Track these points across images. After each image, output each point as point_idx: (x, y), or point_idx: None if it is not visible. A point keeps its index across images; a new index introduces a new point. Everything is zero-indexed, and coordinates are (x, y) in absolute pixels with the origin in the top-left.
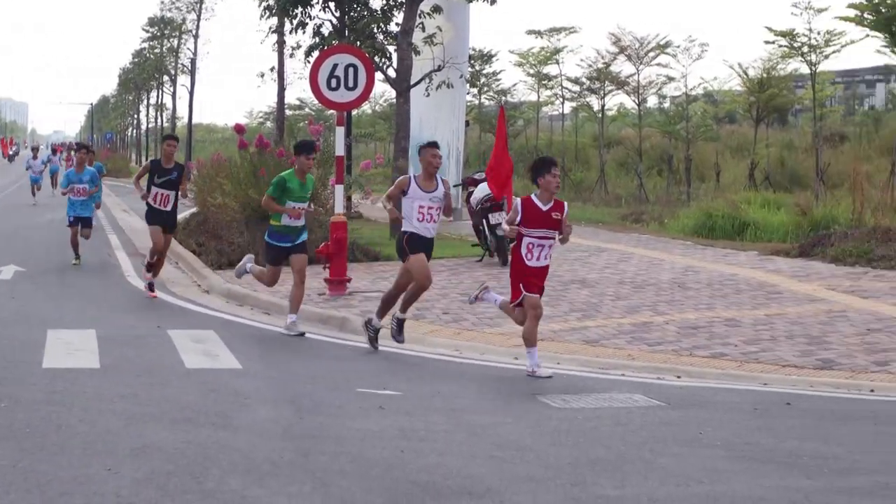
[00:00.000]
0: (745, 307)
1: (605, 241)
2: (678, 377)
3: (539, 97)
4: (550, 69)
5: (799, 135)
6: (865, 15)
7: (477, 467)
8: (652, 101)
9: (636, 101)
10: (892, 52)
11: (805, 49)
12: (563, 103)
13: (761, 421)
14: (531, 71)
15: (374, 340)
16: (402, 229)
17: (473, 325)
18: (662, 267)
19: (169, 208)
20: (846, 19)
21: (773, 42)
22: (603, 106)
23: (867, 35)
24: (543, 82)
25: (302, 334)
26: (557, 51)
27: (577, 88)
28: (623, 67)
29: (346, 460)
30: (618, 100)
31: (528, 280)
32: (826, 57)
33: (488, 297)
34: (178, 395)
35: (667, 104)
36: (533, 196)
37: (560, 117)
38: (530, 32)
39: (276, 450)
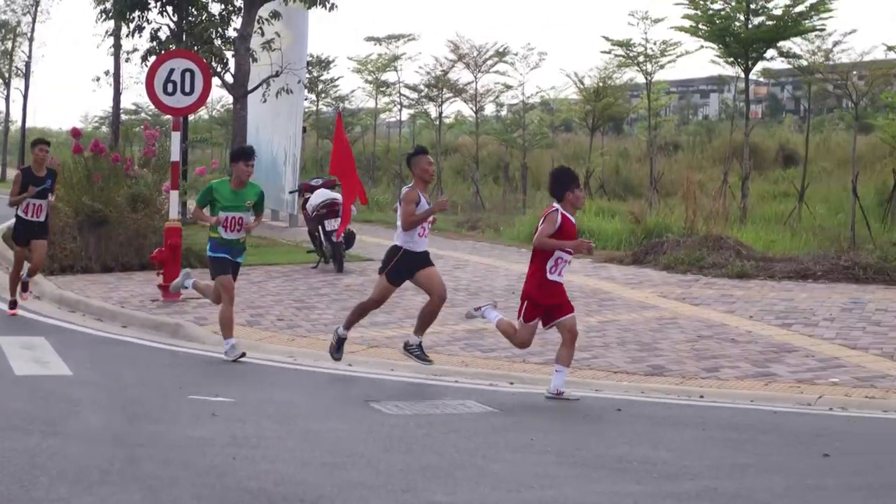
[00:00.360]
0: (579, 314)
1: (441, 249)
2: (511, 384)
3: (377, 104)
4: (389, 76)
5: (634, 143)
6: (700, 26)
7: (309, 474)
8: (489, 109)
9: (474, 108)
10: (726, 62)
11: (641, 59)
12: (400, 110)
13: (592, 427)
14: (369, 78)
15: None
16: (397, 243)
17: (308, 332)
18: (497, 274)
19: (42, 218)
20: (681, 30)
21: (610, 52)
22: (440, 113)
23: (702, 46)
24: (381, 89)
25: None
26: (396, 58)
27: (415, 95)
28: (461, 75)
29: (177, 468)
30: (455, 107)
31: (558, 299)
32: (661, 67)
33: (489, 314)
34: (7, 402)
35: (504, 112)
36: (560, 209)
37: (398, 124)
38: (369, 39)
39: (107, 457)
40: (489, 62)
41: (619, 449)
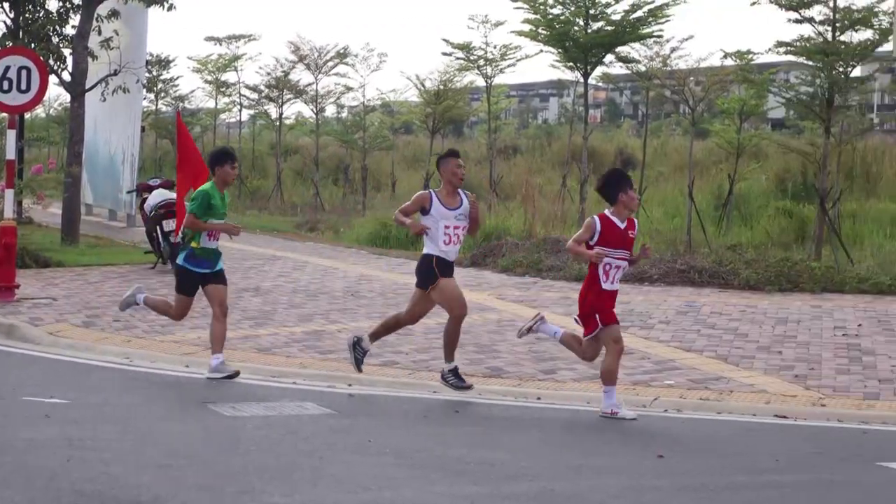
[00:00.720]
0: None
1: (280, 250)
2: (349, 385)
3: (217, 104)
4: (229, 76)
5: (474, 146)
6: (540, 30)
7: (145, 476)
8: (330, 111)
9: (314, 110)
10: (565, 67)
11: (481, 62)
12: (240, 111)
13: (431, 428)
14: (209, 78)
15: (359, 363)
16: (427, 252)
17: (145, 333)
18: (336, 276)
19: None
20: (521, 34)
21: (451, 55)
22: (281, 114)
23: (541, 50)
24: (222, 89)
25: (236, 373)
26: (236, 58)
27: (255, 96)
28: (302, 76)
29: (10, 470)
30: (296, 108)
31: (605, 308)
32: (501, 70)
33: (545, 329)
34: None
35: (345, 114)
36: (608, 213)
37: (238, 125)
38: (209, 39)
39: None
40: (330, 63)
41: (457, 450)
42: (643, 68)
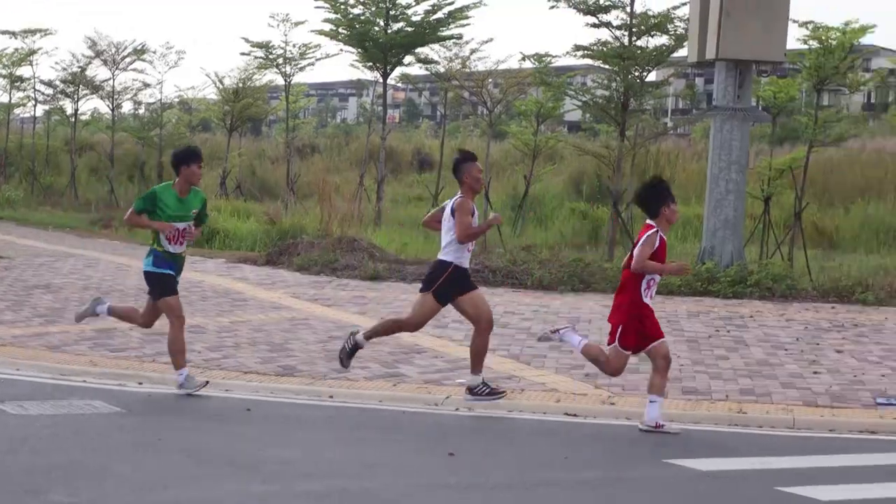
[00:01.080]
0: (210, 314)
1: (72, 247)
2: (140, 383)
3: (11, 99)
4: (24, 71)
5: (272, 145)
6: (340, 30)
7: None
8: (127, 107)
9: (111, 106)
10: (365, 66)
11: (280, 61)
12: (35, 106)
13: (222, 427)
14: (3, 72)
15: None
16: (445, 258)
17: None
18: (130, 273)
19: None
20: (322, 33)
21: (250, 53)
22: (76, 110)
23: (342, 50)
24: (16, 84)
25: (205, 383)
26: (32, 52)
27: (50, 91)
28: (99, 72)
29: None
30: (92, 104)
31: (650, 322)
32: (301, 69)
33: (570, 338)
34: None
35: (142, 111)
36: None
37: (32, 120)
38: (3, 33)
39: None
40: (127, 59)
41: (248, 449)
42: (442, 69)
